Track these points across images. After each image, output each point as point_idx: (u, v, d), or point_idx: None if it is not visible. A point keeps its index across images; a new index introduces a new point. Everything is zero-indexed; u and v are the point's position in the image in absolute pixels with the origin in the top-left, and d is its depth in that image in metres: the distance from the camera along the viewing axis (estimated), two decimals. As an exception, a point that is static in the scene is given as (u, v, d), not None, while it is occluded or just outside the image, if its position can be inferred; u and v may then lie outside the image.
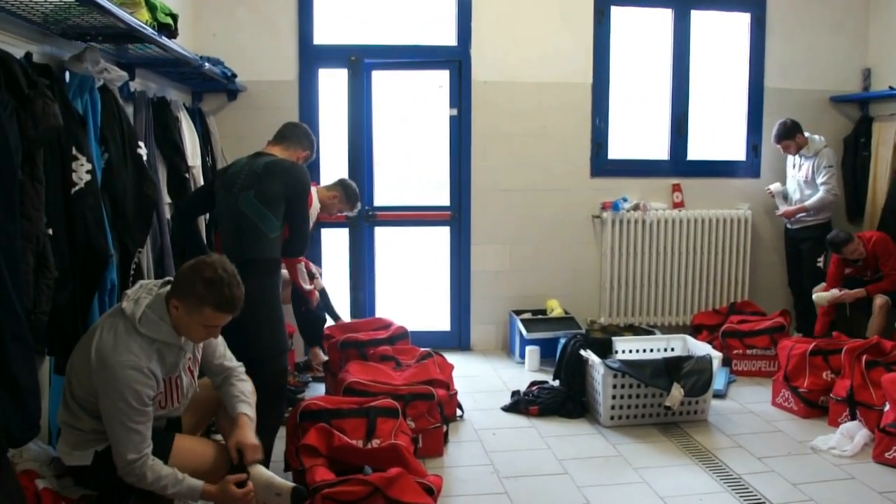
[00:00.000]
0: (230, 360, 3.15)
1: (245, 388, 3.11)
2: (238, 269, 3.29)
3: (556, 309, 6.33)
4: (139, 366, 2.61)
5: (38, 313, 2.55)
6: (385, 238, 6.56)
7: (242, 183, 3.63)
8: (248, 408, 3.06)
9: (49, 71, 2.92)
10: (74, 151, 2.91)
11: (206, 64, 4.67)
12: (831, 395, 4.78)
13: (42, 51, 3.21)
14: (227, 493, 2.81)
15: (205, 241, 4.58)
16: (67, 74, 3.22)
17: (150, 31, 3.31)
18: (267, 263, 3.60)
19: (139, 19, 3.25)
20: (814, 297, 5.73)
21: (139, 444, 2.63)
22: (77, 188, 2.91)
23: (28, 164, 2.50)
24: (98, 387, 2.61)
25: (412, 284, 6.80)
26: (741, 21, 6.64)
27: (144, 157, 3.60)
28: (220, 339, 3.12)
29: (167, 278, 2.90)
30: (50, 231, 2.80)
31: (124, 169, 3.42)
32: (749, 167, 6.72)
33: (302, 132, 4.03)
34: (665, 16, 6.54)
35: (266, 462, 3.62)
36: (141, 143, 3.61)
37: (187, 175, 4.64)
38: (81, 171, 2.92)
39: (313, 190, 5.20)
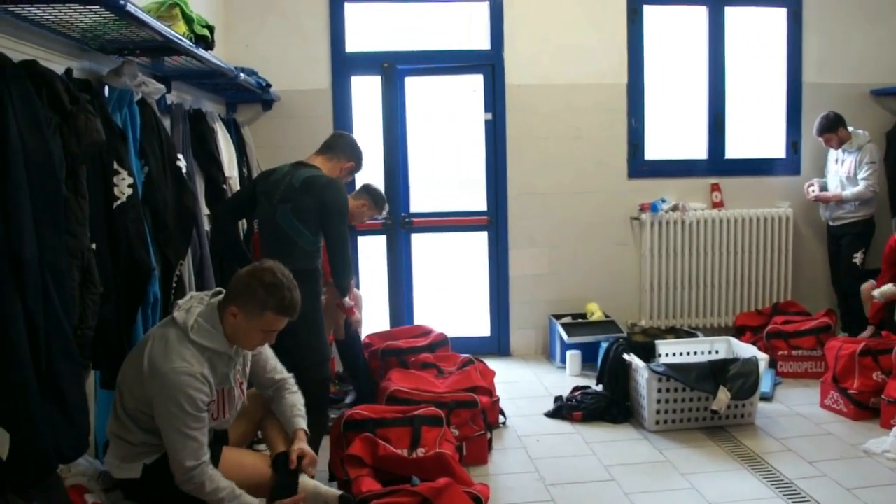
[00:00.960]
0: (281, 372, 3.15)
1: (298, 401, 3.11)
2: None
3: (596, 312, 6.27)
4: (192, 372, 2.62)
5: (84, 328, 2.54)
6: (422, 244, 6.53)
7: (281, 195, 3.62)
8: (304, 422, 3.08)
9: (89, 86, 2.92)
10: (116, 166, 2.91)
11: (242, 74, 4.66)
12: (883, 396, 4.67)
13: (81, 66, 3.21)
14: None
15: (244, 247, 4.55)
16: (106, 89, 3.22)
17: (187, 43, 3.30)
18: (305, 273, 3.57)
19: (177, 32, 3.24)
20: (875, 293, 5.53)
21: (197, 450, 2.63)
22: (119, 202, 2.91)
23: (72, 179, 2.50)
24: (152, 396, 2.62)
25: (450, 290, 6.77)
26: (777, 16, 6.54)
27: (184, 170, 3.60)
28: (271, 353, 3.12)
29: (218, 289, 2.89)
30: (93, 246, 2.79)
31: (164, 182, 3.42)
32: (789, 164, 6.61)
33: (347, 143, 4.01)
34: (699, 13, 6.45)
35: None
36: (180, 156, 3.61)
37: (225, 186, 4.64)
38: (123, 185, 2.92)
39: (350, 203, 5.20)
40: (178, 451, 2.61)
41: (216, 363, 2.74)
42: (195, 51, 3.40)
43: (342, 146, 3.94)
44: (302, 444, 2.97)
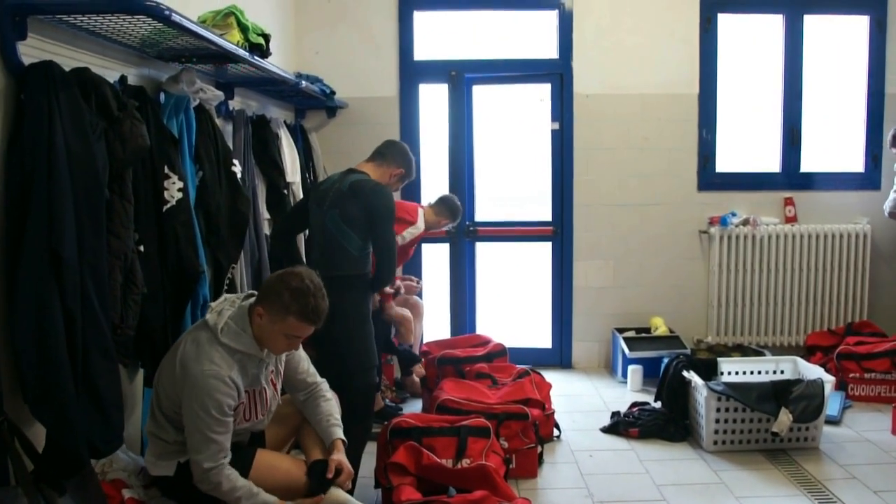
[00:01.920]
0: (313, 376, 3.16)
1: (333, 410, 3.12)
2: (327, 283, 3.34)
3: (660, 327, 6.15)
4: (220, 375, 2.64)
5: (125, 328, 2.61)
6: (486, 253, 6.51)
7: (331, 201, 3.64)
8: (341, 432, 3.08)
9: (142, 92, 2.99)
10: (166, 170, 2.97)
11: (304, 82, 4.73)
12: (958, 424, 4.47)
13: (140, 73, 3.30)
14: None
15: (303, 258, 4.60)
16: (162, 95, 3.30)
17: (241, 51, 3.36)
18: (354, 279, 3.59)
19: (230, 41, 3.30)
20: None
21: (216, 453, 2.66)
22: (169, 206, 2.97)
23: (117, 183, 2.56)
24: (181, 396, 2.66)
25: (513, 301, 6.72)
26: (859, 24, 6.30)
27: (239, 175, 3.66)
28: (304, 355, 3.13)
29: (250, 291, 2.93)
30: (142, 248, 2.86)
31: (218, 186, 3.48)
32: (868, 179, 6.36)
33: (398, 150, 4.01)
34: (775, 21, 6.27)
35: (354, 478, 3.63)
36: (235, 161, 3.67)
37: (286, 191, 4.72)
38: (173, 189, 2.98)
39: (420, 212, 5.24)
40: (199, 451, 2.64)
41: (246, 365, 2.77)
42: (249, 58, 3.46)
43: (392, 153, 3.94)
44: (340, 456, 2.98)
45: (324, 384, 3.18)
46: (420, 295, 6.06)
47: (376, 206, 3.58)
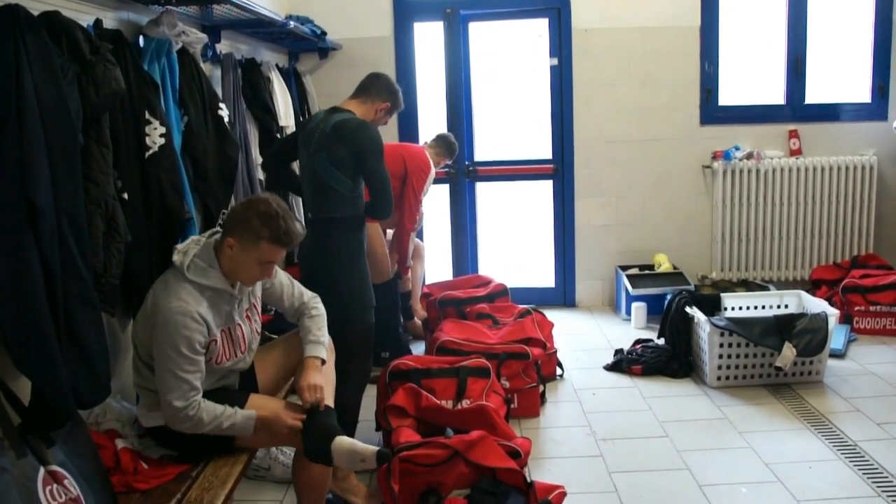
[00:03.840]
0: (299, 297, 3.10)
1: (314, 325, 3.03)
2: (321, 225, 3.29)
3: (664, 264, 6.09)
4: (187, 310, 2.59)
5: (108, 277, 2.56)
6: (486, 193, 6.45)
7: (317, 143, 3.56)
8: (319, 349, 2.97)
9: (120, 36, 2.90)
10: (147, 116, 2.90)
11: (292, 23, 4.62)
12: (963, 355, 4.43)
13: (118, 17, 3.21)
14: (278, 418, 2.78)
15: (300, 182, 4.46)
16: (142, 39, 3.21)
17: (223, -9, 3.27)
18: (347, 221, 3.52)
19: (213, -20, 3.21)
20: None
21: (187, 392, 2.61)
22: (151, 152, 2.91)
23: (94, 128, 2.50)
24: (151, 334, 2.62)
25: (515, 240, 6.66)
26: (866, -51, 6.11)
27: (226, 119, 3.58)
28: (285, 280, 3.08)
29: (214, 229, 2.86)
30: (125, 195, 2.81)
31: (205, 131, 3.42)
32: (875, 109, 6.21)
33: (382, 83, 3.84)
34: (779, -51, 6.09)
35: (354, 419, 3.61)
36: (222, 105, 3.58)
37: (279, 135, 4.64)
38: (155, 135, 2.91)
39: (429, 154, 5.14)
40: (169, 390, 2.59)
41: (218, 302, 2.72)
42: (232, -1, 3.36)
43: (376, 87, 3.80)
44: (307, 378, 2.86)
45: (312, 300, 3.11)
46: (420, 236, 6.01)
47: (363, 144, 3.47)
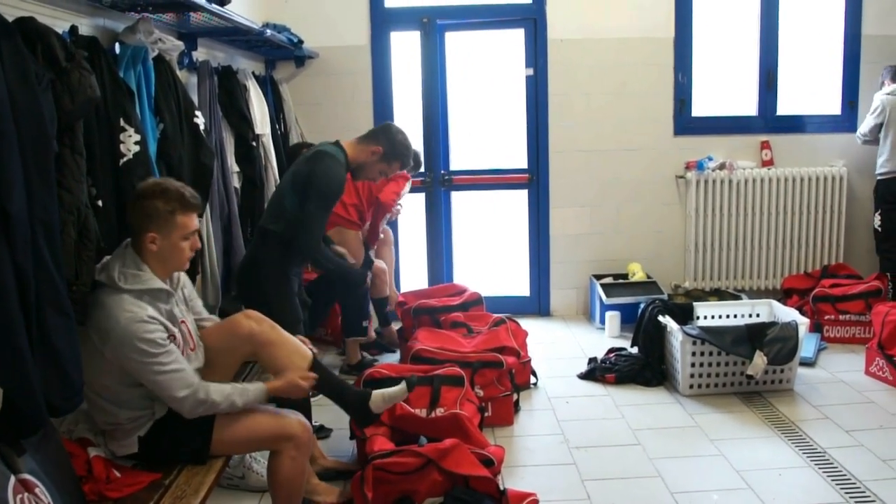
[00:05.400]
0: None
1: None
2: (259, 234, 3.61)
3: (637, 273, 6.15)
4: (138, 317, 2.59)
5: (80, 285, 2.54)
6: (462, 202, 6.47)
7: (297, 161, 3.64)
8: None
9: (95, 43, 2.90)
10: (122, 123, 2.89)
11: (268, 31, 4.63)
12: (930, 363, 4.50)
13: (94, 24, 3.21)
14: (291, 382, 2.91)
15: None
16: (118, 46, 3.21)
17: (198, -1, 3.27)
18: (280, 237, 3.56)
19: (187, -13, 3.21)
20: None
21: (184, 378, 2.64)
22: (126, 159, 2.90)
23: (68, 135, 2.48)
24: (117, 359, 2.60)
25: (490, 249, 6.68)
26: (836, -35, 6.22)
27: (202, 126, 3.58)
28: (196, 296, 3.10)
29: (128, 240, 2.79)
30: (100, 202, 2.80)
31: (180, 138, 3.41)
32: (844, 121, 6.30)
33: (385, 129, 3.85)
34: (752, -38, 6.18)
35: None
36: (198, 113, 3.58)
37: (255, 143, 4.64)
38: (130, 143, 2.91)
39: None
40: (170, 388, 2.62)
41: (157, 303, 2.70)
42: (206, 6, 3.37)
43: (379, 132, 3.81)
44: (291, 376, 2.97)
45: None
46: (396, 244, 6.03)
47: (314, 174, 3.50)
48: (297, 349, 3.03)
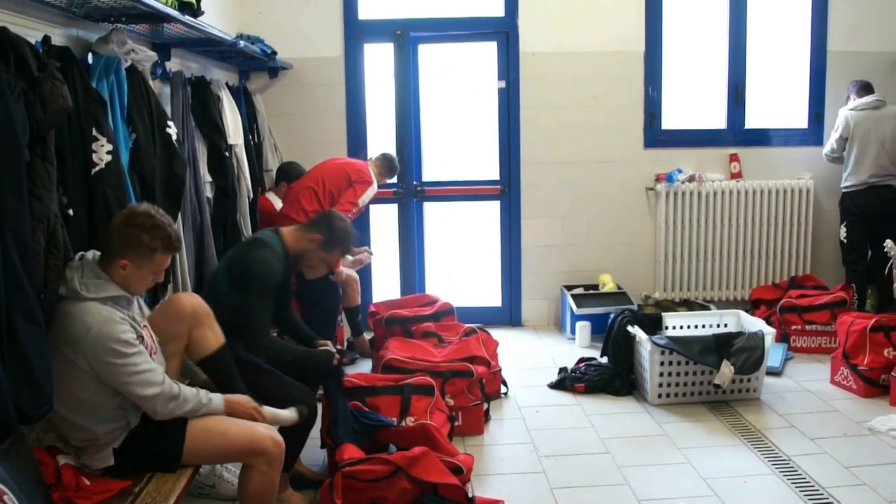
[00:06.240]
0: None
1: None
2: None
3: (608, 284, 6.21)
4: (108, 318, 2.61)
5: (48, 294, 2.55)
6: (434, 213, 6.50)
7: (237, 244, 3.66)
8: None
9: (68, 53, 2.91)
10: (94, 132, 2.90)
11: (242, 42, 4.65)
12: (893, 373, 4.57)
13: (67, 34, 3.22)
14: (246, 402, 2.97)
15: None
16: (91, 56, 3.22)
17: (170, 10, 3.28)
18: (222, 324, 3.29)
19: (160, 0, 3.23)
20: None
21: (157, 376, 2.68)
22: (97, 169, 2.91)
23: (39, 145, 2.50)
24: (91, 367, 2.61)
25: (462, 260, 6.72)
26: (802, -19, 6.35)
27: (174, 137, 3.59)
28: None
29: (80, 253, 2.77)
30: (71, 212, 2.81)
31: (152, 148, 3.42)
32: (811, 135, 6.42)
33: (326, 219, 3.78)
34: (721, -23, 6.29)
35: (300, 443, 3.61)
36: (170, 123, 3.60)
37: (227, 154, 4.64)
38: (102, 152, 2.92)
39: (371, 170, 5.20)
40: (143, 389, 2.64)
41: (121, 308, 2.72)
42: (179, 17, 3.38)
43: (319, 220, 3.76)
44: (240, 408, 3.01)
45: None
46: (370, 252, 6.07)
47: (248, 265, 3.42)
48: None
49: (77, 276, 2.67)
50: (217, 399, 2.88)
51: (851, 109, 5.80)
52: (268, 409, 3.07)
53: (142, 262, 2.71)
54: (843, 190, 5.91)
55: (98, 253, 2.78)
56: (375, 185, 5.18)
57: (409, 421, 3.74)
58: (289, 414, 3.17)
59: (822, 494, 3.53)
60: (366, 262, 5.69)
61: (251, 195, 5.03)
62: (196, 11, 3.61)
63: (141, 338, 2.73)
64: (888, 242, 5.06)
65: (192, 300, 3.07)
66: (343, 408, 3.60)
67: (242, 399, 2.98)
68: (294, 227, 3.75)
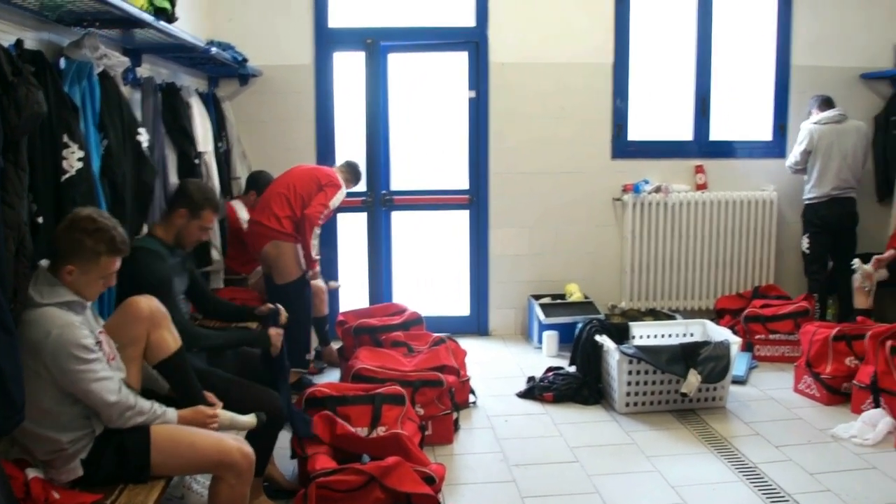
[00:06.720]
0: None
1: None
2: None
3: (575, 293, 6.25)
4: (66, 322, 2.59)
5: (17, 302, 2.52)
6: (402, 222, 6.51)
7: None
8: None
9: (41, 58, 2.88)
10: (66, 139, 2.88)
11: (214, 48, 4.63)
12: (854, 381, 4.66)
13: (39, 38, 3.19)
14: (199, 411, 2.94)
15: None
16: (63, 61, 3.19)
17: (145, 15, 3.27)
18: None
19: (135, 4, 3.21)
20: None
21: (112, 384, 2.65)
22: (68, 175, 2.88)
23: (12, 151, 2.47)
24: (51, 373, 2.58)
25: (430, 269, 6.73)
26: (767, -3, 6.47)
27: (145, 144, 3.56)
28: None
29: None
30: (40, 219, 2.77)
31: (123, 155, 3.39)
32: (775, 147, 6.54)
33: (180, 191, 3.77)
34: (688, -7, 6.38)
35: (269, 448, 3.59)
36: (141, 130, 3.57)
37: (197, 161, 4.62)
38: (73, 159, 2.89)
39: (339, 176, 5.18)
40: (103, 395, 2.62)
41: (77, 313, 2.69)
42: (153, 23, 3.37)
43: (174, 197, 3.74)
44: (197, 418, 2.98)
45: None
46: (336, 264, 6.06)
47: (134, 277, 3.29)
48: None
49: (31, 285, 2.65)
50: (171, 412, 2.85)
51: (815, 123, 5.92)
52: (225, 414, 3.05)
53: (88, 267, 2.68)
54: (806, 202, 6.02)
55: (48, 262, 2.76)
56: (345, 188, 5.17)
57: (381, 431, 3.73)
58: (247, 419, 3.13)
59: (787, 501, 3.59)
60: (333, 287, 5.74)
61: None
62: (171, 17, 3.60)
63: (99, 343, 2.71)
64: (856, 261, 5.36)
65: (148, 302, 3.03)
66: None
67: (194, 412, 2.94)
68: (159, 220, 3.77)
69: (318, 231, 5.14)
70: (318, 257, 5.11)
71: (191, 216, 3.66)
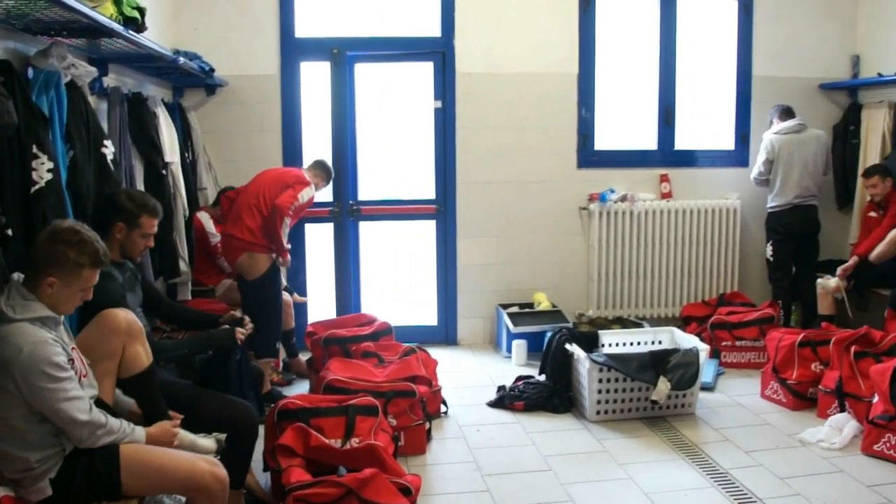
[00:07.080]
0: None
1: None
2: None
3: (543, 302, 6.27)
4: (39, 338, 2.55)
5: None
6: (370, 232, 6.48)
7: None
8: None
9: (9, 67, 2.84)
10: (35, 150, 2.83)
11: (181, 58, 4.58)
12: (820, 386, 4.73)
13: (6, 46, 3.14)
14: (164, 430, 2.90)
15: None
16: (31, 71, 3.14)
17: (115, 25, 3.23)
18: None
19: (104, 14, 3.17)
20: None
21: (83, 403, 2.61)
22: (37, 187, 2.84)
23: (-17, 162, 2.44)
24: (20, 391, 2.53)
25: (398, 279, 6.72)
26: (728, 7, 6.57)
27: (109, 156, 3.51)
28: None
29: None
30: (9, 231, 2.72)
31: (88, 167, 3.35)
32: (737, 156, 6.66)
33: (109, 204, 3.53)
34: (651, 3, 6.45)
35: (246, 459, 3.54)
36: (107, 142, 3.52)
37: (164, 171, 4.57)
38: (42, 170, 2.85)
39: (308, 176, 5.11)
40: (73, 414, 2.57)
41: (50, 331, 2.64)
42: (124, 33, 3.33)
43: (105, 211, 3.53)
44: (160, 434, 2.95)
45: None
46: (304, 274, 6.01)
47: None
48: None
49: (3, 300, 2.60)
50: (139, 431, 2.81)
51: (776, 133, 6.02)
52: (186, 436, 3.00)
53: (70, 279, 2.65)
54: (769, 210, 6.12)
55: (23, 275, 2.70)
56: (314, 187, 5.10)
57: (355, 442, 3.70)
58: (208, 443, 3.07)
59: (759, 506, 3.63)
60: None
61: (187, 214, 4.95)
62: (140, 27, 3.56)
63: (72, 361, 2.66)
64: (824, 276, 5.67)
65: (126, 315, 3.00)
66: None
67: (160, 431, 2.90)
68: None
69: (288, 221, 5.00)
70: (289, 246, 5.01)
71: (129, 227, 3.53)
